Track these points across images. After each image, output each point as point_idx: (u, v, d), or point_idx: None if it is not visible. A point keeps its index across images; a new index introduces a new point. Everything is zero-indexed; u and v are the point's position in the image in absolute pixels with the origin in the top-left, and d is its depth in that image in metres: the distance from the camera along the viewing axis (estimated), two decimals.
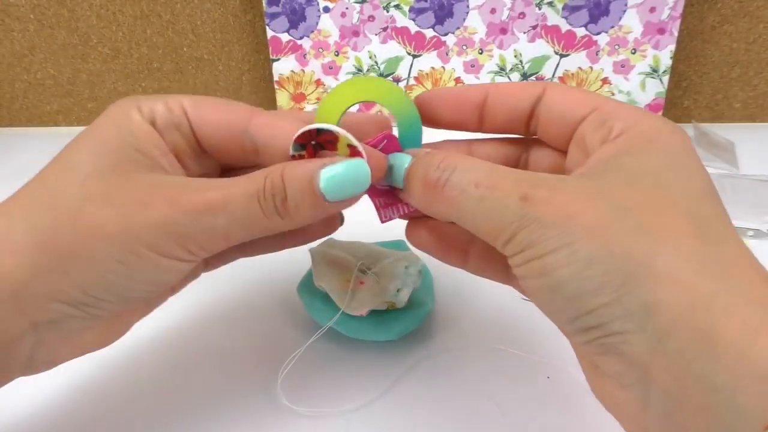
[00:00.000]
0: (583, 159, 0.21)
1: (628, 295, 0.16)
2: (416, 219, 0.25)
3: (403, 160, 0.22)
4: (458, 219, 0.20)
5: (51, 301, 0.20)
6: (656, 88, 0.54)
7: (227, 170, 0.26)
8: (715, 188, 0.19)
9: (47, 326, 0.21)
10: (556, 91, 0.23)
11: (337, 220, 0.27)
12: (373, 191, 0.24)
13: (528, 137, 0.25)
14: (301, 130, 0.22)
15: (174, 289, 0.26)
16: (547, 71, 0.56)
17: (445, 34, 0.55)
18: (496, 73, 0.56)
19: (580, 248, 0.17)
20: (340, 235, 0.36)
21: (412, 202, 0.23)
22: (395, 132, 0.24)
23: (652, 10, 0.51)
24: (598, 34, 0.53)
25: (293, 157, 0.23)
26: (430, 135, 0.25)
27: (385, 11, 0.55)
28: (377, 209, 0.24)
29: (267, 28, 0.56)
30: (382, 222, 0.24)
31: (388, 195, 0.24)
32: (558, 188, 0.18)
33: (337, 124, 0.23)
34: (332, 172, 0.21)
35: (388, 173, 0.23)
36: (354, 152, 0.23)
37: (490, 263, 0.24)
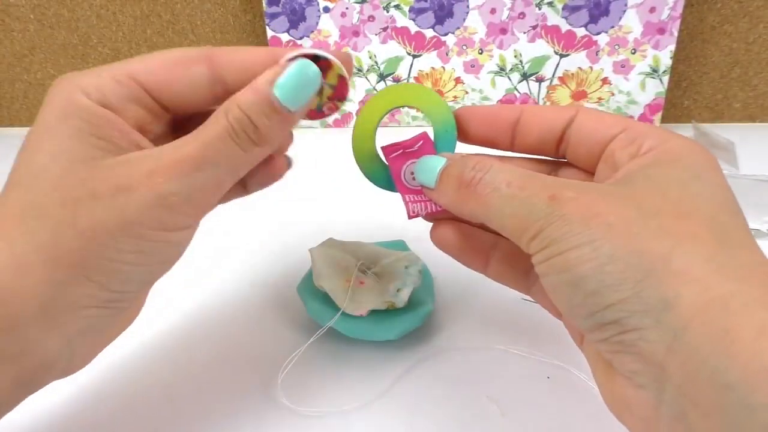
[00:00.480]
0: (611, 174, 0.22)
1: (647, 291, 0.17)
2: (442, 221, 0.25)
3: (437, 161, 0.23)
4: (486, 216, 0.21)
5: (81, 309, 0.20)
6: (656, 88, 0.54)
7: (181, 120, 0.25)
8: (737, 202, 0.19)
9: (79, 336, 0.21)
10: (588, 114, 0.24)
11: (284, 164, 0.26)
12: (403, 188, 0.26)
13: (557, 158, 0.25)
14: (298, 52, 0.22)
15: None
16: (547, 71, 0.56)
17: (445, 34, 0.55)
18: (496, 73, 0.56)
19: (602, 245, 0.17)
20: (341, 235, 0.36)
21: (442, 200, 0.23)
22: (431, 135, 0.26)
23: (652, 10, 0.51)
24: (598, 34, 0.53)
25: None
26: (463, 149, 0.25)
27: (385, 11, 0.55)
28: (405, 204, 0.25)
29: (267, 28, 0.56)
30: (409, 217, 0.25)
31: (417, 192, 0.25)
32: (585, 191, 0.19)
33: (376, 128, 0.26)
34: (282, 81, 0.21)
35: (421, 173, 0.24)
36: (341, 84, 0.24)
37: (510, 269, 0.25)
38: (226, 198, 0.26)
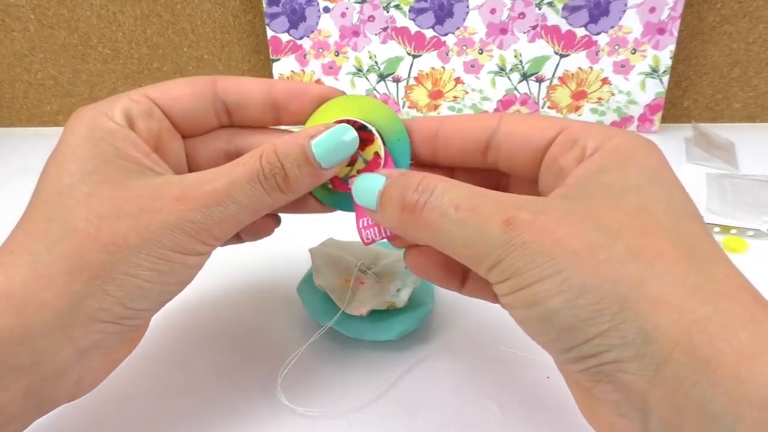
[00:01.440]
0: (558, 182, 0.21)
1: (625, 323, 0.16)
2: (414, 246, 0.24)
3: (376, 181, 0.21)
4: (438, 243, 0.20)
5: (95, 322, 0.20)
6: (656, 88, 0.54)
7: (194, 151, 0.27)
8: (694, 204, 0.19)
9: (90, 350, 0.21)
10: (516, 120, 0.22)
11: (275, 222, 0.27)
12: (360, 210, 0.24)
13: (486, 168, 0.24)
14: (349, 118, 0.24)
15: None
16: (547, 71, 0.56)
17: (445, 34, 0.55)
18: (496, 73, 0.56)
19: (570, 276, 0.17)
20: (341, 235, 0.36)
21: (386, 225, 0.22)
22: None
23: (652, 10, 0.51)
24: (598, 34, 0.53)
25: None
26: None
27: (385, 11, 0.55)
28: (359, 230, 0.24)
29: (267, 28, 0.56)
30: (365, 244, 0.24)
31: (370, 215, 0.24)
32: (542, 211, 0.18)
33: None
34: (321, 139, 0.22)
35: (360, 194, 0.22)
36: (374, 161, 0.24)
37: (487, 286, 0.24)
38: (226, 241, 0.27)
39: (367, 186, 0.22)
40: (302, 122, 0.26)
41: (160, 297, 0.22)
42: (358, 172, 0.24)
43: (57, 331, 0.20)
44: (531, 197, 0.19)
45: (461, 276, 0.24)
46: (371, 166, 0.24)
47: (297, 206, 0.26)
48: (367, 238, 0.24)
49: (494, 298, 0.25)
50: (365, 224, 0.24)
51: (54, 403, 0.22)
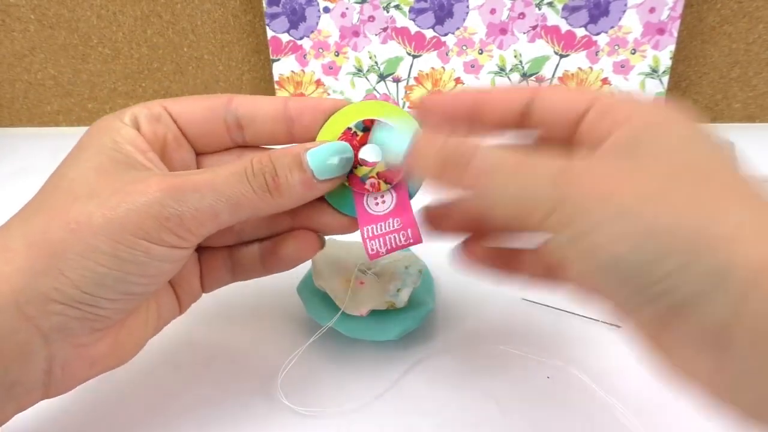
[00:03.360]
0: (594, 151, 0.20)
1: (698, 260, 0.16)
2: (466, 241, 0.24)
3: (402, 133, 0.22)
4: (484, 199, 0.19)
5: (49, 302, 0.20)
6: (656, 89, 0.54)
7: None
8: (735, 158, 0.19)
9: (55, 334, 0.21)
10: (550, 90, 0.23)
11: (317, 241, 0.27)
12: (364, 215, 0.24)
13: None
14: (358, 120, 0.24)
15: (181, 307, 0.27)
16: (546, 71, 0.56)
17: (445, 35, 0.55)
18: (496, 73, 0.56)
19: (633, 220, 0.16)
20: (341, 235, 0.36)
21: (418, 172, 0.22)
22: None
23: (652, 10, 0.51)
24: (598, 34, 0.53)
25: (349, 131, 0.24)
26: None
27: (385, 11, 0.55)
28: (363, 241, 0.24)
29: (267, 28, 0.56)
30: (370, 258, 0.24)
31: (379, 220, 0.24)
32: (593, 165, 0.18)
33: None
34: (317, 150, 0.23)
35: (385, 140, 0.22)
36: (391, 175, 0.24)
37: (544, 267, 0.24)
38: (246, 274, 0.27)
39: (394, 136, 0.22)
40: (314, 136, 0.25)
41: (121, 287, 0.21)
42: (378, 174, 0.24)
43: (12, 307, 0.20)
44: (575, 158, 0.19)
45: (517, 262, 0.24)
46: (391, 175, 0.24)
47: (307, 218, 0.26)
48: (372, 250, 0.24)
49: (550, 282, 0.24)
50: (369, 234, 0.24)
51: (27, 392, 0.21)
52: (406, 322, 0.30)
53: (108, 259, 0.20)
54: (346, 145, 0.23)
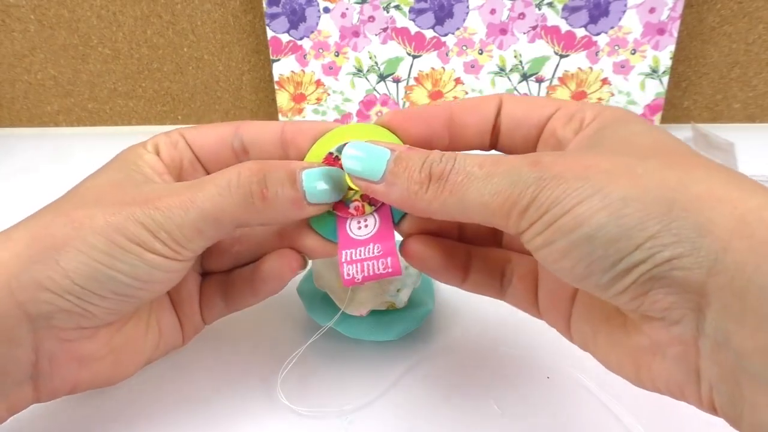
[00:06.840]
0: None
1: (677, 221, 0.16)
2: (412, 236, 0.24)
3: (381, 152, 0.21)
4: (463, 204, 0.20)
5: (41, 290, 0.21)
6: (656, 89, 0.54)
7: None
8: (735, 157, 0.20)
9: (42, 321, 0.21)
10: (515, 100, 0.24)
11: (299, 260, 0.26)
12: (344, 241, 0.24)
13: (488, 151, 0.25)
14: (343, 143, 0.24)
15: (184, 333, 0.27)
16: (546, 72, 0.56)
17: (445, 35, 0.55)
18: (496, 73, 0.56)
19: (611, 191, 0.17)
20: None
21: (394, 194, 0.21)
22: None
23: (652, 10, 0.51)
24: (598, 34, 0.53)
25: (330, 156, 0.25)
26: None
27: (385, 12, 0.55)
28: (340, 264, 0.23)
29: (267, 28, 0.56)
30: (345, 283, 0.23)
31: (359, 245, 0.24)
32: (562, 154, 0.19)
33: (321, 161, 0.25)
34: (313, 171, 0.23)
35: (361, 160, 0.22)
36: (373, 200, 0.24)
37: (488, 277, 0.25)
38: (237, 300, 0.27)
39: (371, 155, 0.22)
40: (303, 156, 0.26)
41: (111, 284, 0.22)
42: (362, 197, 0.24)
43: (4, 290, 0.21)
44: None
45: (463, 267, 0.25)
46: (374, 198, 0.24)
47: (292, 240, 0.26)
48: (348, 275, 0.23)
49: (496, 292, 0.25)
50: (348, 258, 0.23)
51: (16, 384, 0.22)
52: (406, 322, 0.31)
53: (103, 256, 0.21)
54: (340, 173, 0.23)
